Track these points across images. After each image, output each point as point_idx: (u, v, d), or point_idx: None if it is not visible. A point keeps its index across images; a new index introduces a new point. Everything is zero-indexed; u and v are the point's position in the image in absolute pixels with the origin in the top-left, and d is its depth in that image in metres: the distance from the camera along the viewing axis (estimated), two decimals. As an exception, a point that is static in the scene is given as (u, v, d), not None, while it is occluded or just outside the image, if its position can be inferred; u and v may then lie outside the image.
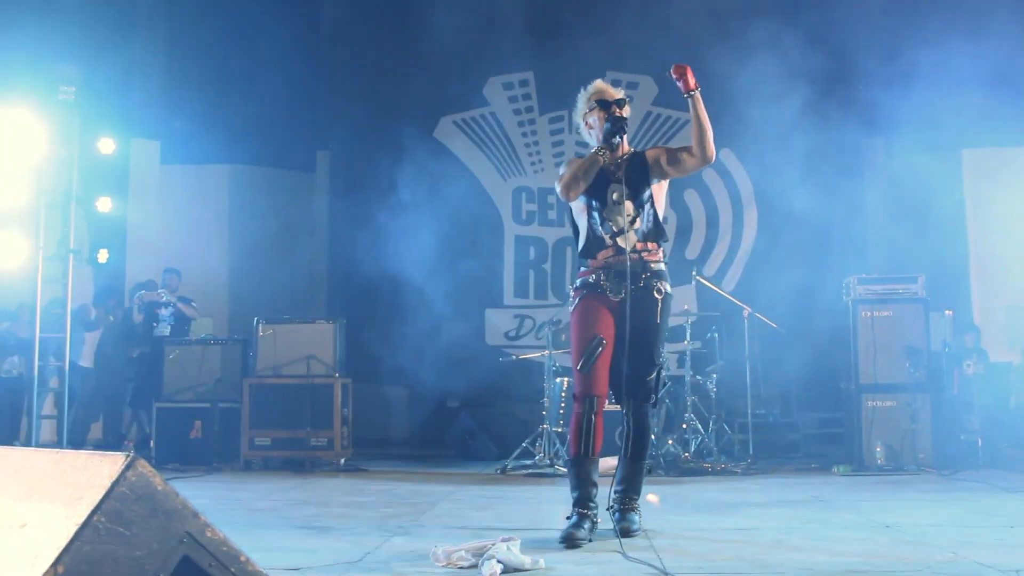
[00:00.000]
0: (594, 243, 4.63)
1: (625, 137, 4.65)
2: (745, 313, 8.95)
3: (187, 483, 7.32)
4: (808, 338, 9.73)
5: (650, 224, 4.63)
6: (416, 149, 11.90)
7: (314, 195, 12.66)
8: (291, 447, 8.72)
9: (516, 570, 3.49)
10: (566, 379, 9.06)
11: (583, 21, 11.58)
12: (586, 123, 4.79)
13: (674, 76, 4.52)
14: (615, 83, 12.17)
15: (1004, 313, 10.94)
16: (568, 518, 4.40)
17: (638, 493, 4.73)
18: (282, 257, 11.89)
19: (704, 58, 10.05)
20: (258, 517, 5.36)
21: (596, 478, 4.50)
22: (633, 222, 4.57)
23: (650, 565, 3.66)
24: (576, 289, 4.71)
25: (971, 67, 9.74)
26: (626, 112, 4.70)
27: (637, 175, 4.62)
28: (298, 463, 8.67)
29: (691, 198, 12.05)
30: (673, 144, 5.19)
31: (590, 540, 4.25)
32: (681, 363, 8.87)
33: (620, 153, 4.66)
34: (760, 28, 10.12)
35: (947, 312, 10.03)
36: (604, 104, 4.67)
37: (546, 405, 8.59)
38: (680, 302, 11.07)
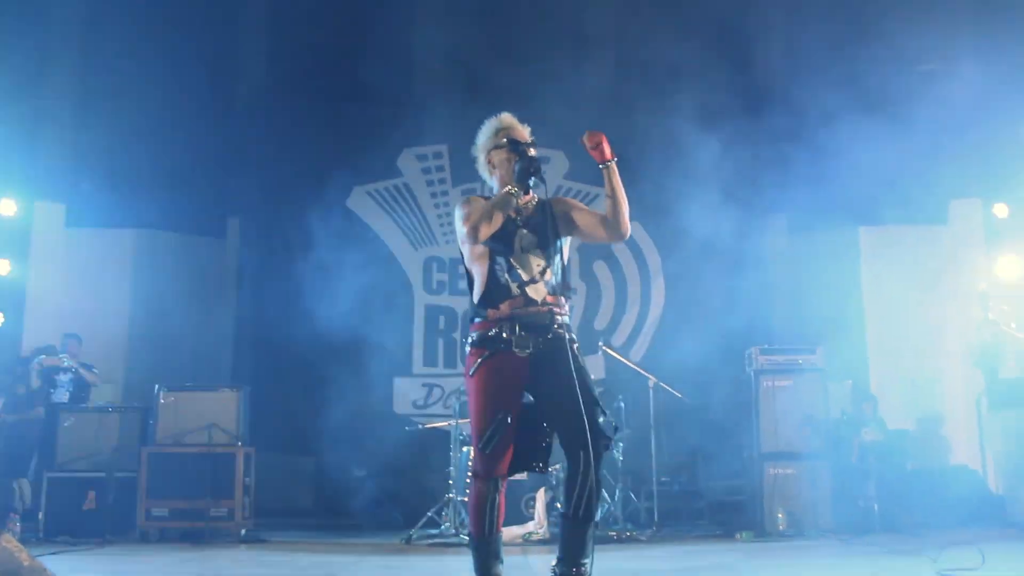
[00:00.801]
0: (496, 292, 4.06)
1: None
2: (651, 383, 8.89)
3: (76, 556, 6.93)
4: (713, 407, 9.71)
5: (559, 278, 4.16)
6: (328, 218, 11.73)
7: (223, 261, 12.35)
8: (189, 518, 8.36)
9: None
10: (473, 448, 8.86)
11: (497, 95, 11.59)
12: (488, 160, 4.28)
13: (588, 145, 4.07)
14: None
15: (900, 382, 11.09)
16: None
17: (589, 556, 4.03)
18: (187, 323, 11.52)
19: (614, 133, 10.09)
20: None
21: (501, 553, 4.07)
22: (543, 273, 4.09)
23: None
24: (474, 347, 4.07)
25: (868, 149, 9.96)
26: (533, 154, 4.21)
27: (547, 225, 4.15)
28: (197, 534, 8.28)
29: (600, 269, 12.07)
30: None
31: None
32: (588, 432, 8.72)
33: (526, 199, 4.17)
34: (667, 106, 10.25)
35: (846, 382, 10.15)
36: (515, 145, 4.17)
37: (452, 474, 8.45)
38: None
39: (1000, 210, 11.02)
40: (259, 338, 11.51)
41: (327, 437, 11.02)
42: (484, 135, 4.31)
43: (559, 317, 4.08)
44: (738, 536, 8.15)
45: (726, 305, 11.02)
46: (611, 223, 4.11)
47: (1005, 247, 10.97)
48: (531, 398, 4.07)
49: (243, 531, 8.40)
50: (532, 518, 8.14)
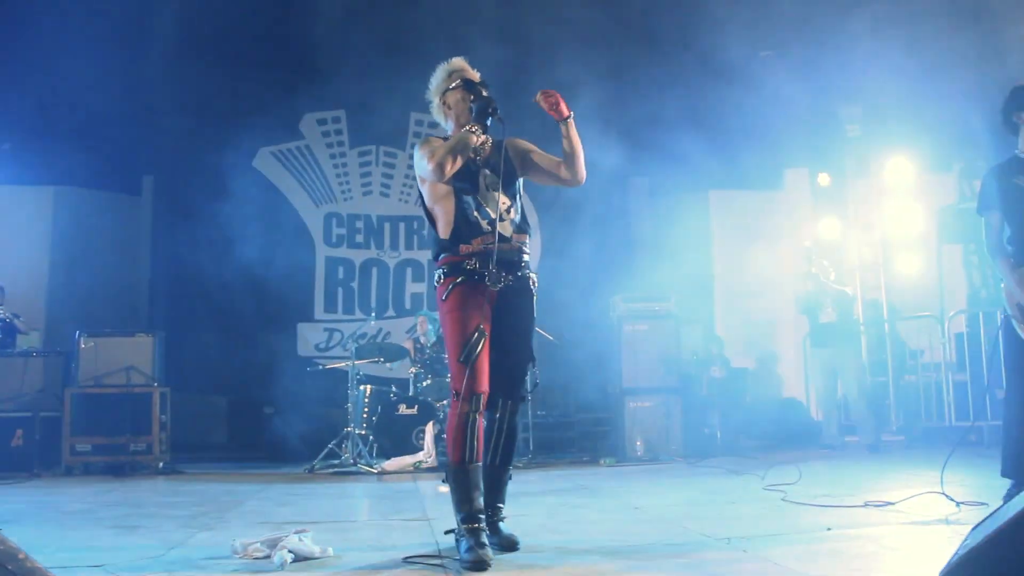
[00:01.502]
0: (467, 229, 3.80)
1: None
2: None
3: (7, 488, 6.90)
4: (582, 349, 10.01)
5: (521, 216, 3.96)
6: (236, 176, 11.64)
7: (139, 216, 12.15)
8: (111, 452, 8.32)
9: (307, 559, 3.48)
10: (369, 386, 9.08)
11: (392, 65, 11.61)
12: (443, 102, 4.02)
13: (544, 105, 3.87)
14: (418, 123, 12.37)
15: (742, 327, 11.63)
16: (458, 537, 3.63)
17: (504, 501, 3.93)
18: (105, 274, 11.35)
19: (510, 101, 10.26)
20: (70, 519, 5.10)
21: (482, 483, 3.74)
22: (508, 211, 3.87)
23: (428, 559, 3.71)
24: (447, 275, 3.81)
25: (718, 122, 10.37)
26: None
27: (507, 165, 3.92)
28: (118, 467, 8.28)
29: (483, 225, 12.26)
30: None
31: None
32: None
33: (482, 139, 3.93)
34: (547, 78, 10.42)
35: (696, 326, 10.62)
36: (469, 84, 3.96)
37: (350, 410, 8.61)
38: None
39: (823, 179, 11.62)
40: (173, 287, 11.42)
41: (238, 378, 11.12)
42: (437, 79, 4.06)
43: (525, 255, 3.93)
44: (602, 461, 8.47)
45: (595, 258, 11.36)
46: (570, 169, 3.93)
47: (827, 211, 11.60)
48: None
49: (160, 464, 8.43)
50: (422, 448, 8.37)
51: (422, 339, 9.46)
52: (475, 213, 3.81)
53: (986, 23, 8.67)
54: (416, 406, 8.80)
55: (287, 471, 8.47)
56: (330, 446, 8.57)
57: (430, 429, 8.38)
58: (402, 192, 12.31)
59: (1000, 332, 4.74)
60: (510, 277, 3.81)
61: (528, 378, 3.93)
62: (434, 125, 12.18)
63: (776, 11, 9.55)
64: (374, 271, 12.09)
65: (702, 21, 9.78)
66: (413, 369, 9.30)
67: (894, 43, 9.07)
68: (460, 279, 3.76)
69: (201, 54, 11.67)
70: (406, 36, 11.37)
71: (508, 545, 3.70)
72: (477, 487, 3.67)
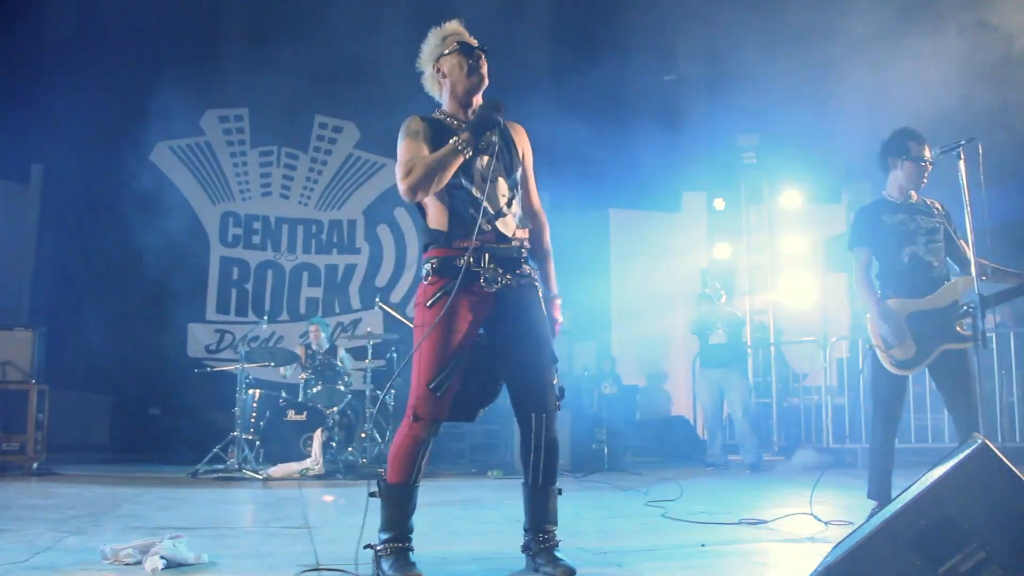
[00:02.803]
0: (462, 224, 3.30)
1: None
2: (420, 337, 9.13)
3: None
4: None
5: (525, 208, 3.52)
6: (131, 169, 11.38)
7: (26, 205, 11.70)
8: (-20, 451, 8.01)
9: (180, 565, 3.40)
10: (258, 391, 8.93)
11: (297, 65, 11.49)
12: (437, 69, 3.48)
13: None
14: (321, 126, 12.27)
15: (635, 345, 11.84)
16: (379, 555, 3.33)
17: (556, 523, 3.43)
18: (-15, 264, 10.93)
19: (412, 109, 10.25)
20: (-69, 519, 4.87)
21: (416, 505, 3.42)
22: (510, 204, 3.39)
23: (305, 566, 3.68)
24: (436, 275, 3.31)
25: (620, 143, 10.55)
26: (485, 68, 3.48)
27: (508, 149, 3.46)
28: (-13, 467, 7.97)
29: (383, 232, 12.23)
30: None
31: None
32: (364, 379, 8.93)
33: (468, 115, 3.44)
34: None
35: (590, 343, 10.77)
36: (467, 48, 3.43)
37: (238, 414, 8.44)
38: (365, 325, 11.23)
39: (719, 203, 11.96)
40: (59, 281, 11.02)
41: (123, 377, 10.80)
42: (429, 45, 3.52)
43: (525, 252, 3.45)
44: (490, 473, 8.51)
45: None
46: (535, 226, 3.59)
47: (721, 234, 11.92)
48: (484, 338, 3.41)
49: (35, 464, 8.12)
50: (309, 456, 8.27)
51: (314, 345, 9.35)
52: (471, 210, 3.29)
53: (875, 61, 9.05)
54: (305, 412, 8.69)
55: (170, 474, 8.26)
56: (215, 450, 8.39)
57: (318, 436, 8.28)
58: (302, 195, 12.17)
59: (866, 361, 5.00)
60: (509, 276, 3.33)
61: (556, 383, 3.40)
62: (339, 130, 12.30)
63: (681, 37, 9.78)
64: (270, 273, 11.92)
65: (608, 42, 9.98)
66: (304, 375, 9.18)
67: (791, 77, 9.40)
68: (450, 284, 3.24)
69: (100, 41, 11.35)
70: (314, 37, 11.26)
71: (566, 574, 3.21)
72: (415, 508, 3.37)
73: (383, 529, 3.33)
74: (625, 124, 10.59)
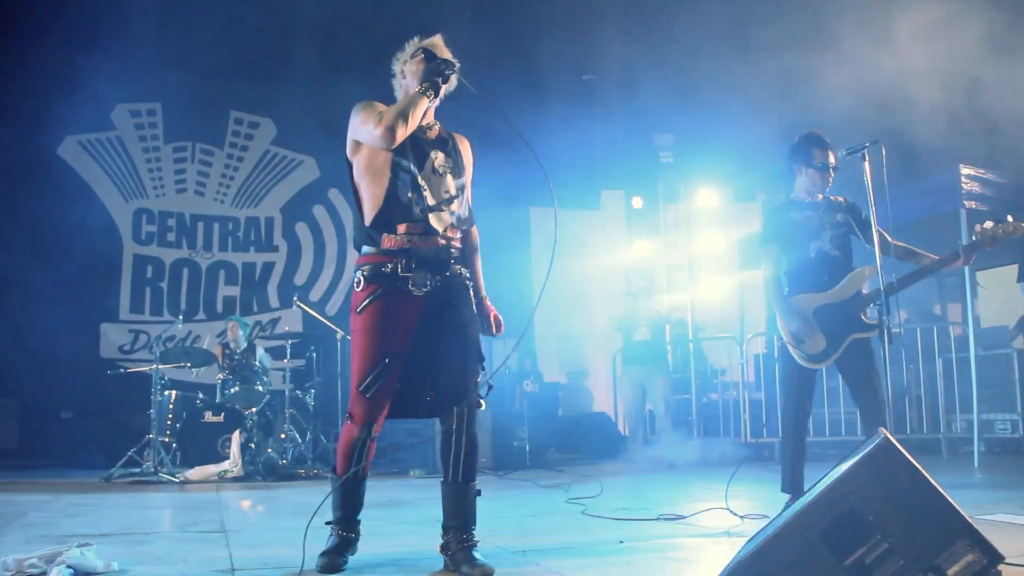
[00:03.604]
0: (396, 211, 3.39)
1: (437, 100, 3.54)
2: (338, 336, 9.06)
3: None
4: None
5: (466, 213, 3.59)
6: (38, 164, 11.07)
7: (-76, 202, 11.29)
8: None
9: (88, 574, 3.33)
10: (174, 392, 8.77)
11: (212, 60, 11.31)
12: (401, 71, 3.64)
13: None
14: (237, 122, 12.08)
15: (556, 342, 11.92)
16: (330, 527, 3.54)
17: (475, 523, 3.48)
18: None
19: (330, 105, 10.22)
20: None
21: (363, 499, 3.59)
22: (451, 202, 3.48)
23: (221, 571, 3.63)
24: (366, 283, 3.41)
25: (541, 142, 10.58)
26: (451, 84, 3.55)
27: (457, 152, 3.61)
28: None
29: (301, 229, 12.11)
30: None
31: (345, 564, 3.49)
32: (283, 379, 8.84)
33: (428, 120, 3.59)
34: (371, 86, 10.38)
35: (511, 340, 10.77)
36: (430, 55, 3.54)
37: (153, 416, 8.27)
38: (284, 323, 11.10)
39: (637, 202, 12.11)
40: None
41: (32, 379, 10.49)
42: (405, 51, 3.67)
43: (455, 252, 3.52)
44: (412, 473, 8.49)
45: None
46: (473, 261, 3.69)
47: (639, 232, 12.08)
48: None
49: (-64, 470, 7.87)
50: (228, 457, 8.15)
51: (232, 344, 9.21)
52: (410, 193, 3.39)
53: (787, 65, 9.28)
54: (223, 413, 8.56)
55: (82, 479, 8.04)
56: (130, 453, 8.20)
57: (236, 437, 8.17)
58: (218, 191, 11.96)
59: (779, 357, 5.15)
60: (438, 278, 3.41)
61: (480, 380, 3.48)
62: (255, 126, 12.12)
63: (599, 36, 9.89)
64: (185, 272, 11.70)
65: (527, 37, 10.03)
66: (221, 375, 9.03)
67: (707, 78, 9.60)
68: (379, 291, 3.37)
69: (8, 31, 11.00)
70: (228, 32, 11.08)
71: (484, 575, 3.25)
72: (354, 499, 3.53)
73: (332, 512, 3.55)
74: (544, 121, 10.66)
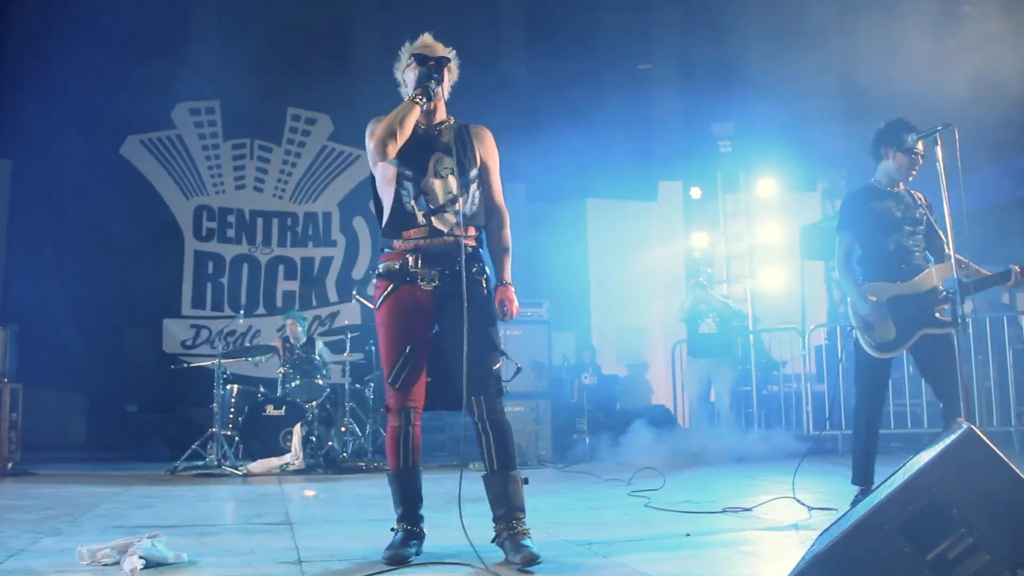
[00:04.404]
0: (401, 220, 3.55)
1: (442, 93, 3.66)
2: (400, 329, 9.06)
3: None
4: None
5: (474, 208, 3.64)
6: (101, 163, 11.28)
7: (-6, 201, 11.55)
8: (-48, 453, 7.88)
9: (159, 564, 3.37)
10: (236, 386, 8.88)
11: (269, 57, 11.40)
12: (403, 80, 3.75)
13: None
14: (295, 118, 12.16)
15: (615, 334, 11.85)
16: (393, 531, 3.62)
17: (523, 510, 3.52)
18: (-45, 262, 10.77)
19: (386, 100, 10.22)
20: (-96, 522, 4.79)
21: (421, 490, 3.66)
22: (454, 201, 3.56)
23: (287, 562, 3.65)
24: (379, 280, 3.62)
25: (597, 133, 10.53)
26: (451, 74, 3.72)
27: (464, 149, 3.64)
28: (-39, 469, 7.84)
29: (359, 224, 12.16)
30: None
31: (417, 555, 3.55)
32: (343, 372, 8.88)
33: (438, 119, 3.69)
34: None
35: (569, 333, 10.76)
36: (421, 59, 3.63)
37: (216, 410, 8.37)
38: (343, 317, 11.17)
39: (695, 192, 11.97)
40: (30, 278, 10.85)
41: (99, 374, 10.70)
42: (400, 59, 3.77)
43: (468, 247, 3.56)
44: (472, 466, 8.46)
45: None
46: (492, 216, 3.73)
47: (698, 223, 11.95)
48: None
49: (10, 465, 8.01)
50: (289, 450, 8.22)
51: (292, 339, 9.29)
52: (412, 202, 3.54)
53: (850, 55, 9.09)
54: (284, 407, 8.63)
55: (148, 472, 8.17)
56: (194, 447, 8.32)
57: (297, 431, 8.23)
58: (276, 188, 12.07)
59: (847, 346, 5.07)
60: (446, 272, 3.51)
61: (499, 368, 3.55)
62: (312, 122, 12.21)
63: (657, 25, 9.78)
64: (245, 267, 11.82)
65: (585, 28, 9.96)
66: (282, 369, 9.12)
67: (766, 66, 9.43)
68: (391, 287, 3.55)
69: (69, 34, 11.20)
70: (284, 28, 11.18)
71: (527, 561, 3.27)
72: (414, 491, 3.61)
73: (394, 509, 3.64)
74: (601, 112, 10.59)
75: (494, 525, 3.49)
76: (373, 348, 9.22)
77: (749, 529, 4.26)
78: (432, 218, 3.53)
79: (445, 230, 3.53)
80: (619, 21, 10.13)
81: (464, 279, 3.45)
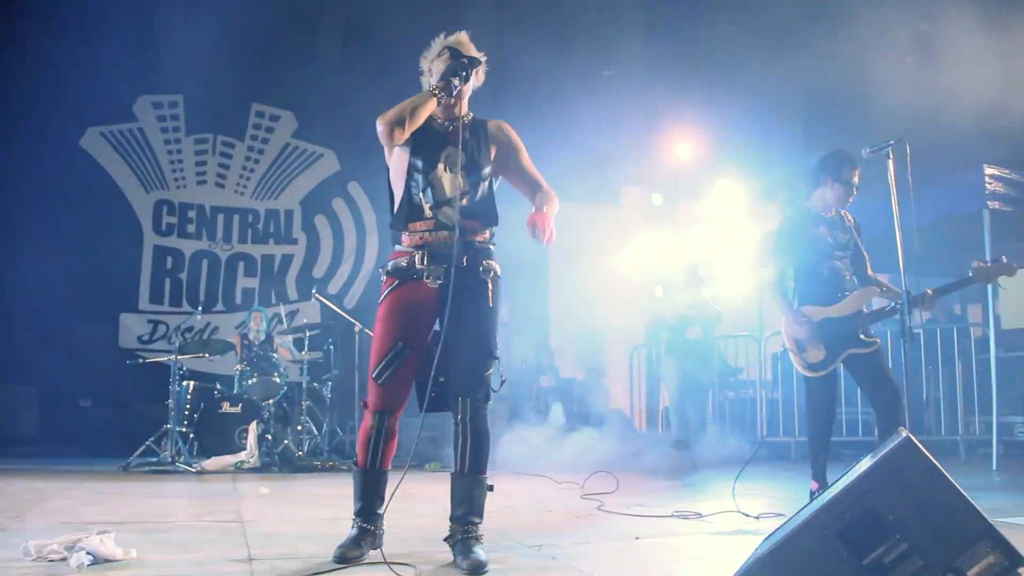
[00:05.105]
0: (409, 212, 3.52)
1: (467, 90, 3.60)
2: (356, 328, 9.06)
3: None
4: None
5: (483, 203, 3.57)
6: (60, 155, 11.14)
7: (-53, 193, 11.36)
8: (-101, 444, 7.77)
9: (107, 561, 3.34)
10: (192, 382, 8.82)
11: (232, 53, 11.34)
12: (428, 69, 3.68)
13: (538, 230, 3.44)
14: (258, 114, 12.09)
15: (574, 338, 11.90)
16: (350, 530, 3.55)
17: (481, 516, 3.51)
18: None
19: (351, 99, 10.27)
20: None
21: (384, 491, 3.58)
22: (463, 196, 3.50)
23: (238, 560, 3.64)
24: (387, 275, 3.58)
25: (562, 138, 10.57)
26: (477, 79, 3.65)
27: (478, 145, 3.59)
28: (-94, 461, 7.73)
29: (320, 222, 12.13)
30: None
31: (364, 555, 3.48)
32: (300, 371, 8.86)
33: (458, 113, 3.62)
34: (393, 81, 10.39)
35: (529, 336, 10.79)
36: (455, 53, 3.60)
37: (171, 406, 8.30)
38: (302, 316, 11.13)
39: (657, 198, 12.07)
40: (-19, 270, 10.73)
41: (52, 368, 10.53)
42: (431, 49, 3.71)
43: (477, 243, 3.53)
44: (427, 467, 8.50)
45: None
46: (534, 201, 3.63)
47: (658, 228, 12.03)
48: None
49: (-43, 457, 7.92)
50: (244, 448, 8.18)
51: (251, 335, 9.23)
52: (420, 194, 3.50)
53: (814, 65, 9.22)
54: (240, 404, 8.59)
55: (101, 468, 8.08)
56: (148, 443, 8.26)
57: (253, 428, 8.20)
58: (238, 183, 12.00)
59: (780, 363, 5.33)
60: (453, 270, 3.42)
61: (491, 375, 3.48)
62: (276, 119, 12.15)
63: (621, 33, 9.85)
64: (204, 263, 11.75)
65: (550, 32, 9.99)
66: (239, 366, 9.07)
67: (728, 74, 9.53)
68: (396, 283, 3.52)
69: (30, 22, 11.06)
70: (250, 24, 11.10)
71: (473, 569, 3.25)
72: (375, 490, 3.54)
73: (353, 503, 3.58)
74: (565, 117, 10.64)
75: (450, 524, 3.49)
76: (332, 347, 9.21)
77: (699, 533, 4.31)
78: (438, 211, 3.48)
79: (450, 224, 3.47)
80: (584, 26, 10.18)
81: (452, 274, 3.39)
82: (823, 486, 4.89)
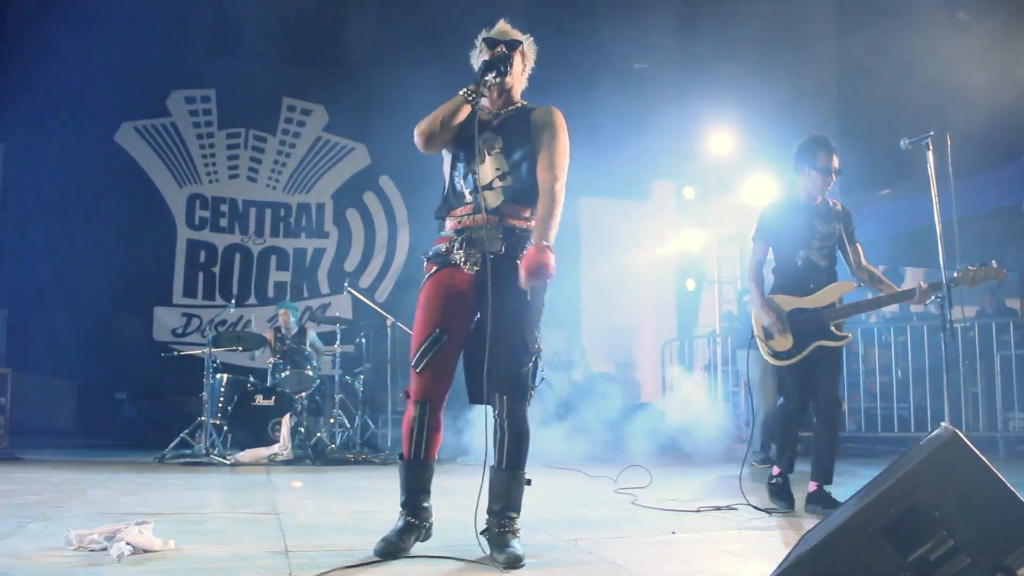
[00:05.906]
0: (451, 199, 3.55)
1: (510, 81, 3.55)
2: (388, 322, 9.06)
3: None
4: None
5: (524, 185, 3.50)
6: (95, 150, 11.24)
7: (-15, 186, 11.50)
8: (-61, 436, 7.88)
9: (146, 551, 3.37)
10: (226, 375, 8.88)
11: (265, 48, 11.40)
12: (475, 68, 3.64)
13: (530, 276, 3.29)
14: (290, 108, 12.13)
15: (605, 333, 11.86)
16: (396, 521, 3.52)
17: (518, 511, 3.46)
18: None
19: (382, 92, 10.27)
20: None
21: (429, 484, 3.55)
22: (503, 178, 3.47)
23: (274, 552, 3.65)
24: (427, 262, 3.57)
25: (589, 132, 10.51)
26: (525, 58, 3.64)
27: (518, 130, 3.53)
28: (-53, 452, 7.83)
29: (352, 216, 12.16)
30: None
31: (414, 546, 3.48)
32: (333, 364, 8.89)
33: (504, 104, 3.62)
34: (415, 77, 10.40)
35: (560, 331, 10.76)
36: (491, 43, 3.58)
37: (205, 399, 8.37)
38: (334, 309, 11.17)
39: (688, 192, 11.99)
40: (21, 263, 10.81)
41: (88, 361, 10.66)
42: (477, 45, 3.69)
43: (517, 229, 3.49)
44: (459, 460, 8.50)
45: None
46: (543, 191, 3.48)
47: (690, 222, 11.96)
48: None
49: (-3, 449, 8.03)
50: (278, 441, 8.22)
51: (283, 330, 9.29)
52: (462, 181, 3.52)
53: (847, 61, 9.12)
54: (273, 397, 8.65)
55: (136, 459, 8.15)
56: (182, 435, 8.33)
57: (286, 421, 8.23)
58: (270, 178, 12.06)
59: (750, 351, 5.45)
60: (491, 255, 3.37)
61: (527, 371, 3.41)
62: (307, 113, 12.20)
63: (654, 24, 9.78)
64: (237, 257, 11.81)
65: (579, 24, 9.94)
66: (272, 360, 9.12)
67: (761, 68, 9.44)
68: (435, 269, 3.50)
69: (65, 18, 11.16)
70: (282, 19, 11.15)
71: (510, 563, 3.21)
72: (420, 483, 3.51)
73: (399, 495, 3.54)
74: (595, 110, 10.57)
75: (487, 517, 3.45)
76: (363, 341, 9.24)
77: (735, 528, 4.28)
78: (478, 195, 3.44)
79: (492, 206, 3.44)
80: (616, 20, 10.11)
81: (488, 262, 3.35)
82: (785, 472, 5.06)
